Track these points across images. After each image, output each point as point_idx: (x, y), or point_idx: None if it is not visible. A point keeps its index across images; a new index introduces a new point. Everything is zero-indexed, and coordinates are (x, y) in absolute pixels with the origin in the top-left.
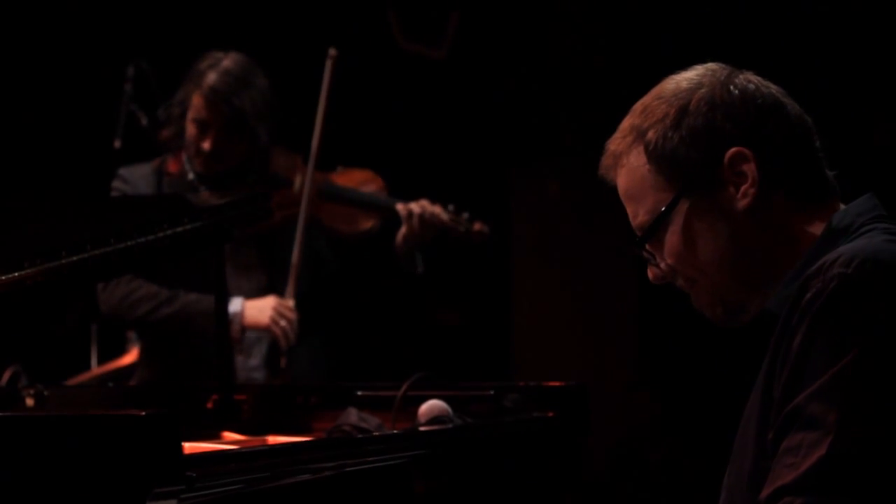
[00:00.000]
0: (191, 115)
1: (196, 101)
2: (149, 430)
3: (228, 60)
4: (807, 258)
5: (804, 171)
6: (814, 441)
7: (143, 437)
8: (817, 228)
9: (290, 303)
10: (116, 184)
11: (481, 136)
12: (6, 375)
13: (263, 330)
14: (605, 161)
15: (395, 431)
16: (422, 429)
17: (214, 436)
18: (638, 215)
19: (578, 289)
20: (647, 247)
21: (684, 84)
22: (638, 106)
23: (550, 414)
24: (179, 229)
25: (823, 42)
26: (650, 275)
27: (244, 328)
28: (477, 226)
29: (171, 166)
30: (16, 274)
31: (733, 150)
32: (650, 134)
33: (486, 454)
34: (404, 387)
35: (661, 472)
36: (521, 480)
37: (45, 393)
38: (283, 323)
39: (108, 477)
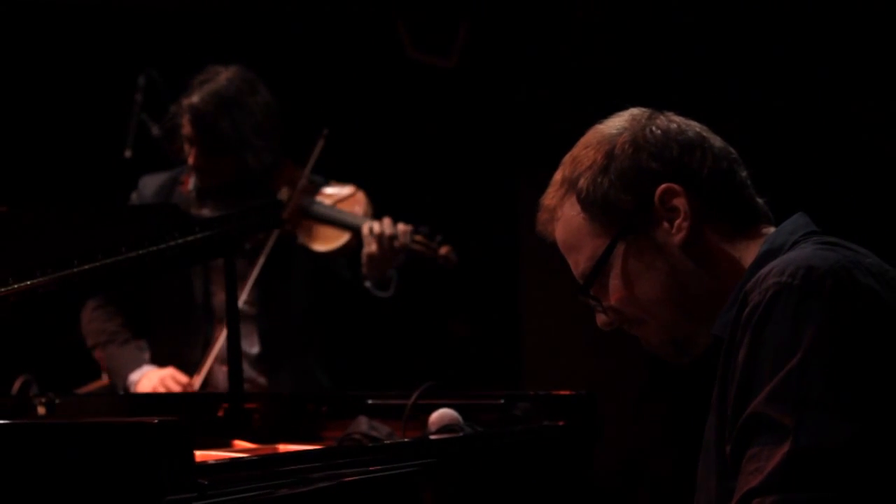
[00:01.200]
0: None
1: (183, 117)
2: (160, 438)
3: (222, 77)
4: (744, 280)
5: (734, 200)
6: (775, 442)
7: (155, 446)
8: (752, 253)
9: (184, 379)
10: (134, 192)
11: (490, 145)
12: (17, 384)
13: None
14: (542, 217)
15: (405, 440)
16: (432, 437)
17: (225, 444)
18: (579, 264)
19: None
20: (593, 293)
21: (608, 131)
22: (567, 157)
23: (560, 422)
24: (190, 238)
25: (837, 48)
26: (598, 322)
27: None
28: (443, 250)
29: (187, 177)
30: (27, 282)
31: (663, 186)
32: (581, 182)
33: (495, 463)
34: (414, 395)
35: (669, 482)
36: (530, 489)
37: (57, 401)
38: (161, 391)
39: (120, 485)
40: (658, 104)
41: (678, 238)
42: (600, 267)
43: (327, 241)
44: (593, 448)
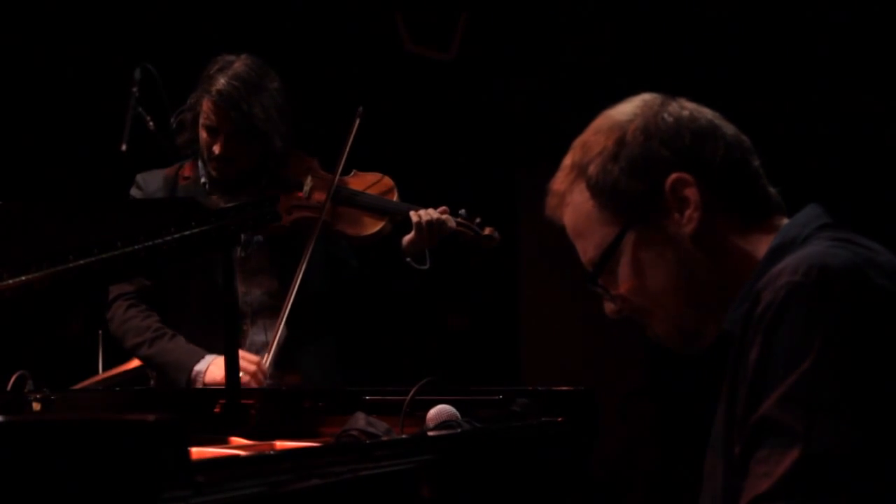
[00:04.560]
0: (201, 120)
1: (206, 106)
2: (157, 435)
3: (239, 63)
4: (756, 275)
5: (746, 191)
6: (784, 447)
7: (151, 443)
8: (764, 246)
9: (254, 357)
10: (133, 190)
11: (489, 137)
12: (12, 380)
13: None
14: (551, 202)
15: (403, 436)
16: (430, 433)
17: (222, 441)
18: (587, 251)
19: (586, 293)
20: (601, 282)
21: (618, 117)
22: (577, 142)
23: (559, 419)
24: (187, 233)
25: (834, 42)
26: (606, 310)
27: (205, 385)
28: (487, 231)
29: (187, 171)
30: (23, 278)
31: (673, 175)
32: (591, 169)
33: (494, 459)
34: (412, 391)
35: (661, 478)
36: (529, 485)
37: (52, 398)
38: (241, 376)
39: (115, 482)
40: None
41: (688, 229)
42: (609, 256)
43: (365, 227)
44: (592, 444)
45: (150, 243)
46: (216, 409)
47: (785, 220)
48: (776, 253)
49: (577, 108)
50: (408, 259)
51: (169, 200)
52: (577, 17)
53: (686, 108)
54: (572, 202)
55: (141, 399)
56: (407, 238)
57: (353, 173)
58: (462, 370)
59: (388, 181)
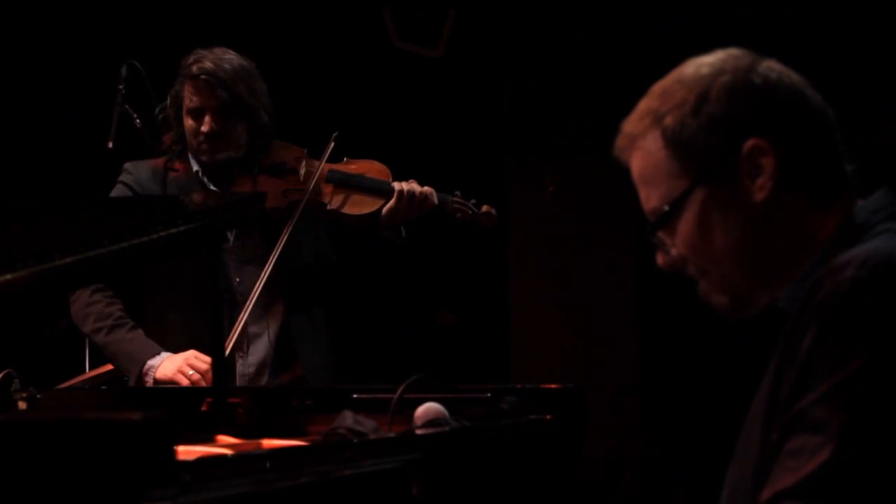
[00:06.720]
0: (185, 105)
1: (188, 89)
2: (143, 433)
3: (218, 50)
4: (820, 256)
5: (823, 166)
6: (816, 446)
7: (137, 441)
8: (832, 225)
9: (205, 356)
10: (123, 176)
11: (478, 135)
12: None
13: (171, 381)
14: (620, 142)
15: (391, 435)
16: (418, 432)
17: (209, 439)
18: (651, 200)
19: (576, 290)
20: (659, 233)
21: (705, 70)
22: (656, 88)
23: (548, 416)
24: (173, 231)
25: (824, 38)
26: (660, 261)
27: (155, 381)
28: (484, 208)
29: (177, 164)
30: (8, 276)
31: (752, 141)
32: (668, 119)
33: (482, 457)
34: (400, 389)
35: (650, 477)
36: (518, 483)
37: (38, 396)
38: (190, 373)
39: (101, 481)
40: (641, 93)
41: (758, 197)
42: (674, 209)
43: (363, 207)
44: (581, 442)
45: (137, 241)
46: (203, 408)
47: (857, 202)
48: (844, 235)
49: (565, 104)
50: (385, 233)
51: (155, 198)
52: (565, 12)
53: (774, 70)
54: (643, 147)
55: (127, 398)
56: (386, 207)
57: (345, 160)
58: (451, 368)
59: (381, 166)
